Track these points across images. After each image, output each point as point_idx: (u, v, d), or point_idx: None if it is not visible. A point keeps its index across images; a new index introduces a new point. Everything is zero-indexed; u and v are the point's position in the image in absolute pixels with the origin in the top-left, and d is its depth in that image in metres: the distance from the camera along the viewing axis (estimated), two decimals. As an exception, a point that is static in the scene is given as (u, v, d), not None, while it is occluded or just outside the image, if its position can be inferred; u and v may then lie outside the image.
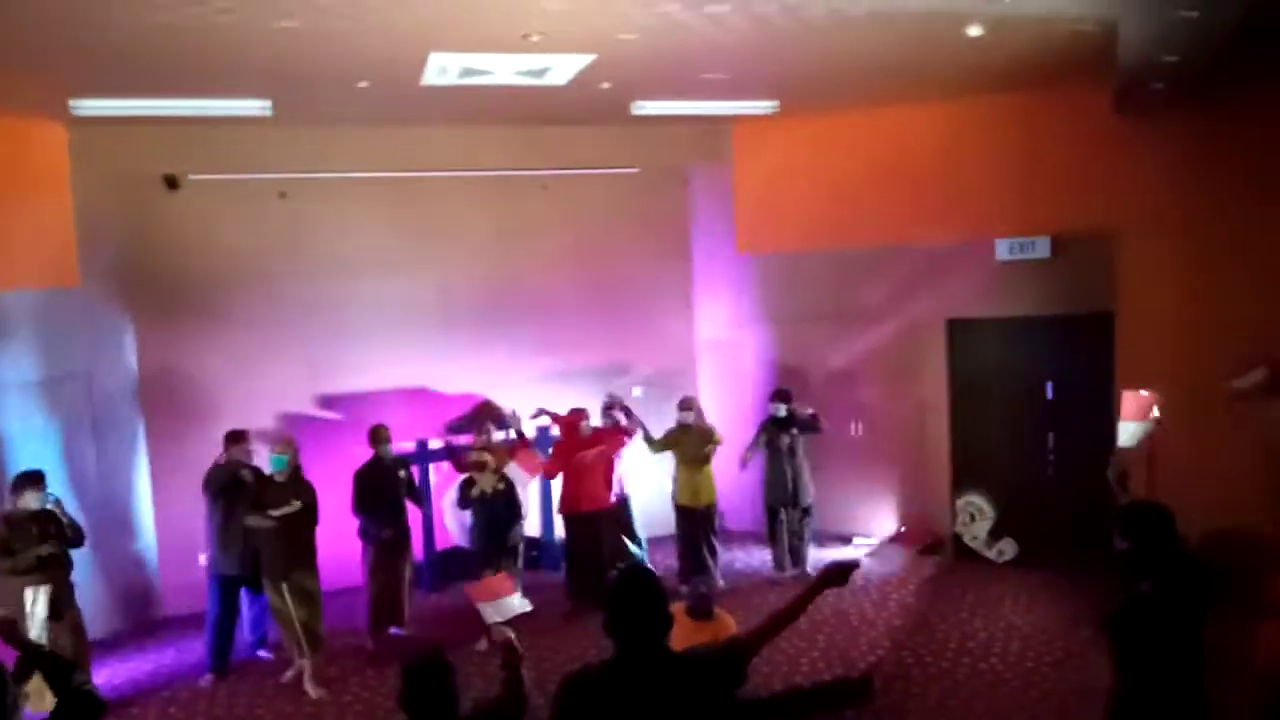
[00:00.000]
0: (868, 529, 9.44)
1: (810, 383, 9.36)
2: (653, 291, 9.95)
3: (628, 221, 9.80)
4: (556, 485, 8.56)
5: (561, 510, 8.35)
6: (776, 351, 9.77)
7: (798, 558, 8.55)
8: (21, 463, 6.78)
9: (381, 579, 7.57)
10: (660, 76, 7.25)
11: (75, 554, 6.52)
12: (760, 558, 9.04)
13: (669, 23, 5.65)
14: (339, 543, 7.63)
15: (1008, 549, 8.91)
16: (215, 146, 8.32)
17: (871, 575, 8.47)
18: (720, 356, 10.17)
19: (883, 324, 9.25)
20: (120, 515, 8.20)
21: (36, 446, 7.34)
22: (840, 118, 9.17)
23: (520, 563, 7.71)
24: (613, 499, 8.44)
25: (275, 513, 6.71)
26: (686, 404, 8.42)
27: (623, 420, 8.45)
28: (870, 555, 8.92)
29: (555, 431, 8.63)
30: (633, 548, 8.21)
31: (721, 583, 8.20)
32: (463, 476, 7.67)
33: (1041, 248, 8.42)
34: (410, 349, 9.07)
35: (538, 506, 9.06)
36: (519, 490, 7.61)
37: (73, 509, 6.70)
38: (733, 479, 9.55)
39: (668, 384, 9.75)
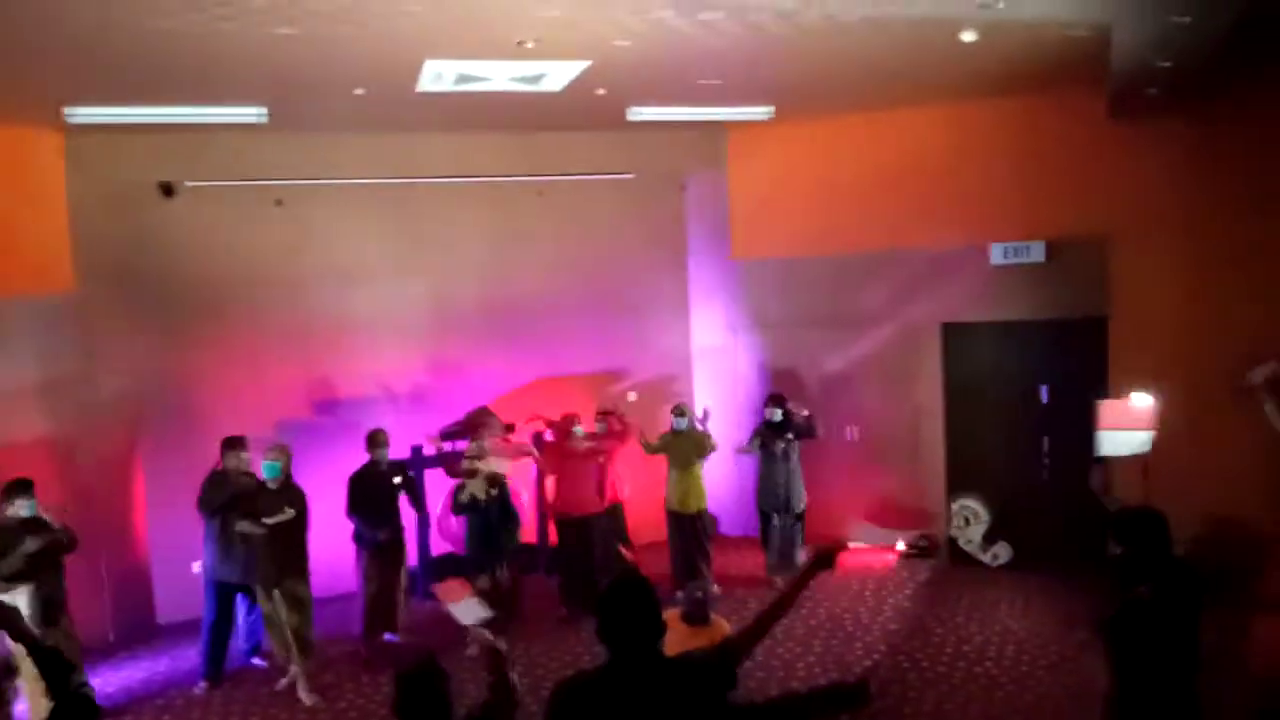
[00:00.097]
0: (863, 533, 9.44)
1: (805, 387, 9.38)
2: (648, 297, 9.96)
3: (623, 227, 9.81)
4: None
5: (552, 514, 8.35)
6: (771, 356, 9.79)
7: (790, 563, 8.55)
8: (16, 469, 6.76)
9: (376, 584, 7.56)
10: (655, 82, 7.27)
11: (70, 561, 6.50)
12: (755, 562, 9.04)
13: (663, 29, 5.67)
14: (332, 549, 7.63)
15: (1003, 553, 8.92)
16: (211, 154, 8.33)
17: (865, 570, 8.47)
18: (715, 362, 10.18)
19: (878, 328, 9.27)
20: (115, 522, 8.18)
21: (31, 453, 7.32)
22: (835, 123, 9.19)
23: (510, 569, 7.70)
24: (608, 503, 8.46)
25: (269, 521, 6.71)
26: (679, 410, 8.43)
27: (616, 426, 8.47)
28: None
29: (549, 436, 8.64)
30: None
31: (715, 588, 8.20)
32: (455, 483, 7.66)
33: (1036, 252, 8.45)
34: (406, 355, 9.07)
35: (532, 512, 9.06)
36: (520, 496, 7.62)
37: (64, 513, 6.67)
38: (727, 484, 9.58)
39: (663, 389, 9.76)
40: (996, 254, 8.60)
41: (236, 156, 8.41)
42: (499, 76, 6.68)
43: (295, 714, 6.68)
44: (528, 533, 8.38)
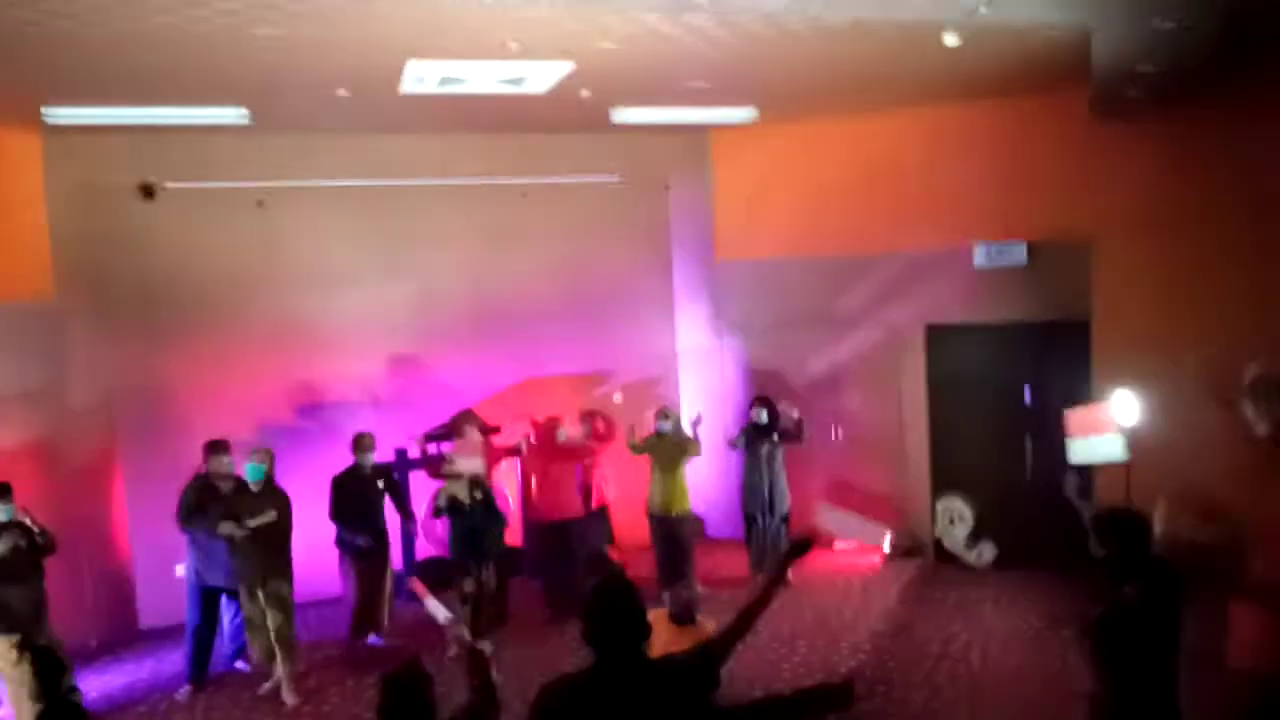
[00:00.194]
0: (847, 533, 9.46)
1: (790, 389, 9.39)
2: (633, 299, 9.96)
3: (608, 230, 9.80)
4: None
5: (532, 518, 8.33)
6: (756, 358, 9.80)
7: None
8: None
9: (360, 588, 7.54)
10: (640, 85, 7.27)
11: (51, 566, 6.46)
12: (741, 564, 9.04)
13: (647, 31, 5.66)
14: (315, 554, 7.59)
15: (987, 552, 8.95)
16: (192, 155, 8.28)
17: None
18: (701, 364, 10.18)
19: (862, 330, 9.29)
20: (97, 527, 8.12)
21: (11, 458, 7.25)
22: (819, 125, 9.22)
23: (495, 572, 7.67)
24: (594, 505, 8.46)
25: (251, 523, 6.69)
26: (664, 414, 8.42)
27: (601, 428, 8.46)
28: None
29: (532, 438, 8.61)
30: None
31: (700, 589, 8.20)
32: (439, 486, 7.64)
33: (1018, 254, 8.50)
34: (390, 358, 9.04)
35: (518, 515, 9.04)
36: (507, 498, 7.60)
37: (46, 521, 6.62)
38: (713, 487, 9.59)
39: (648, 391, 9.76)
40: (980, 256, 8.64)
41: (218, 158, 8.37)
42: (482, 78, 6.67)
43: (279, 718, 6.65)
44: (513, 535, 8.35)
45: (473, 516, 7.29)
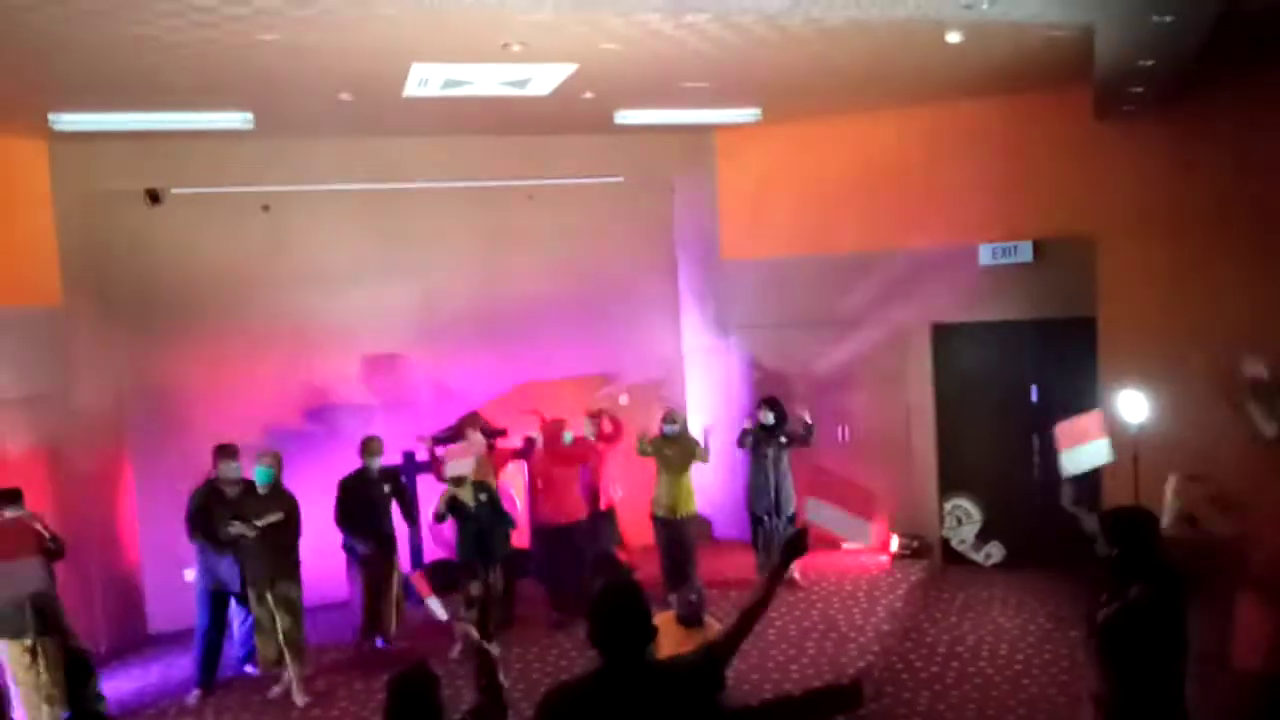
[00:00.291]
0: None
1: (796, 388, 9.38)
2: (638, 300, 9.96)
3: (613, 230, 9.80)
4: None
5: (537, 521, 8.32)
6: (761, 357, 9.78)
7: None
8: (6, 480, 6.73)
9: (368, 591, 7.56)
10: (643, 86, 7.28)
11: (61, 571, 6.47)
12: (748, 565, 9.02)
13: (649, 32, 5.67)
14: (323, 558, 7.59)
15: (995, 552, 8.94)
16: (197, 160, 8.30)
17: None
18: (706, 363, 10.17)
19: (867, 329, 9.27)
20: (106, 532, 8.14)
21: (21, 463, 7.28)
22: (822, 124, 9.21)
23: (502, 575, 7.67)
24: (601, 507, 8.45)
25: (260, 522, 6.72)
26: (671, 417, 8.41)
27: (608, 428, 8.46)
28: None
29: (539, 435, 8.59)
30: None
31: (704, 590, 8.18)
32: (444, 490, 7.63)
33: (1024, 252, 8.48)
34: (396, 361, 9.05)
35: (525, 517, 9.04)
36: (514, 501, 7.58)
37: (55, 525, 6.64)
38: (719, 488, 9.58)
39: (654, 391, 9.76)
40: (985, 254, 8.63)
41: (223, 163, 8.39)
42: (486, 80, 6.68)
43: (288, 722, 6.67)
44: (520, 537, 8.36)
45: (479, 519, 7.30)
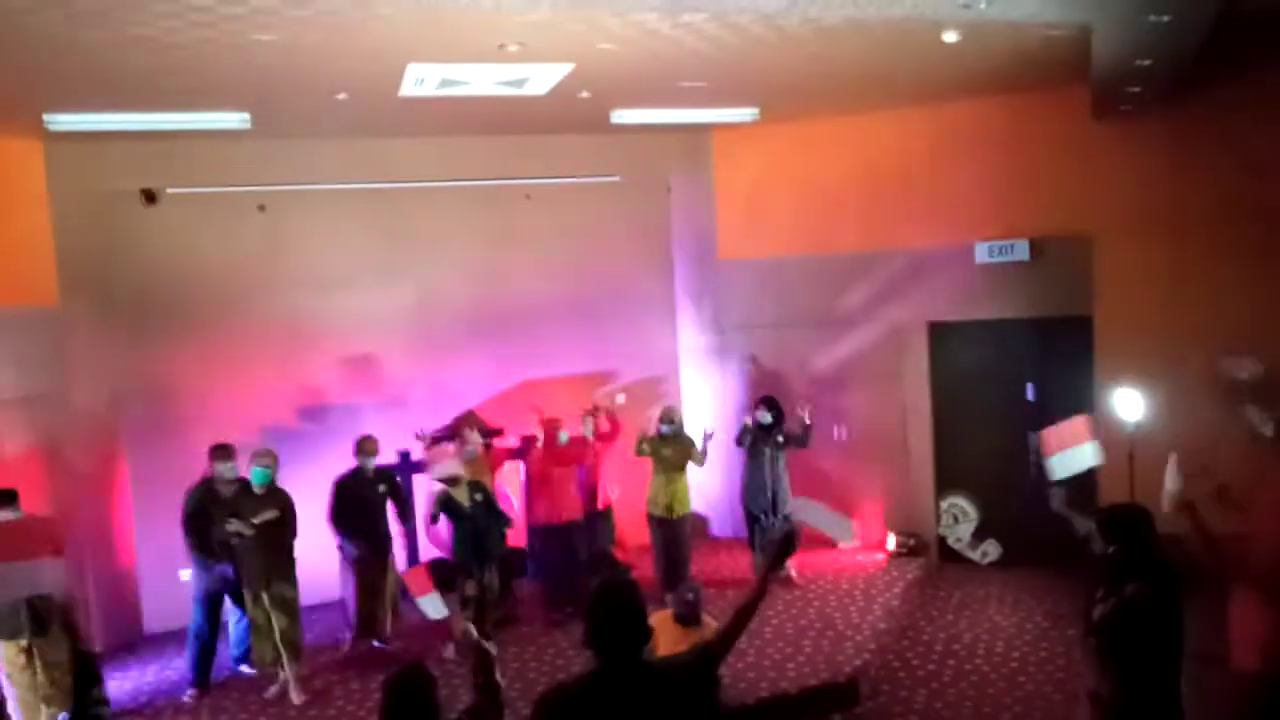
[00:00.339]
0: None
1: (793, 387, 9.39)
2: (635, 299, 9.96)
3: (610, 230, 9.80)
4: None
5: (533, 521, 8.32)
6: (758, 356, 9.78)
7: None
8: (2, 480, 6.72)
9: (362, 591, 7.55)
10: (640, 85, 7.27)
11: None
12: (744, 563, 9.04)
13: (646, 32, 5.67)
14: (317, 557, 7.58)
15: (991, 550, 8.95)
16: (193, 160, 8.29)
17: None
18: (703, 363, 10.18)
19: (864, 328, 9.29)
20: (101, 532, 8.13)
21: (16, 464, 7.27)
22: (819, 124, 9.22)
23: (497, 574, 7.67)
24: (599, 506, 8.45)
25: (256, 520, 6.71)
26: (668, 416, 8.41)
27: (605, 427, 8.46)
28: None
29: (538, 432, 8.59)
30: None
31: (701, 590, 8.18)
32: (438, 490, 7.62)
33: (1020, 251, 8.49)
34: (392, 361, 9.05)
35: (522, 516, 9.04)
36: (510, 500, 7.57)
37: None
38: (715, 487, 9.59)
39: (651, 390, 9.76)
40: (981, 253, 8.63)
41: (219, 163, 8.37)
42: (482, 80, 6.67)
43: (285, 721, 6.67)
44: (517, 537, 8.36)
45: (474, 519, 7.29)
